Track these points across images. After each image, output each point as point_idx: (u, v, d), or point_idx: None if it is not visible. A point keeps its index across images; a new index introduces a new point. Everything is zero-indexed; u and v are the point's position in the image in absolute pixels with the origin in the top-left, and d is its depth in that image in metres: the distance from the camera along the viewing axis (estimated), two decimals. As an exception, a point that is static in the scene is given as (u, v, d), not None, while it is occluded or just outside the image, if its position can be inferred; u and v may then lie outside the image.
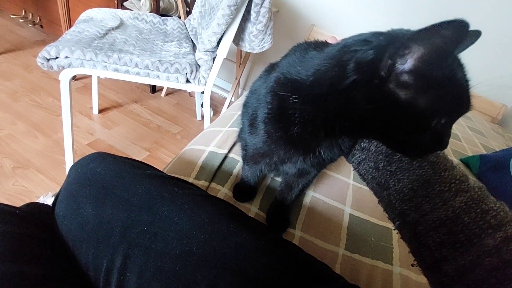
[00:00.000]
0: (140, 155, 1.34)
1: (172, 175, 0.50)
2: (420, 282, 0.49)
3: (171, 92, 1.86)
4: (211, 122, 1.10)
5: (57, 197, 0.41)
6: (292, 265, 0.34)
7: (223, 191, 0.54)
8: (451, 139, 1.21)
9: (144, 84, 1.83)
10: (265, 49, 1.08)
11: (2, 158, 1.12)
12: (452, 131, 1.25)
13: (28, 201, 1.05)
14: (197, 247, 0.31)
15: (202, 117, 1.74)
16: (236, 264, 0.31)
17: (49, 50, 0.83)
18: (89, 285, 0.33)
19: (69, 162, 1.07)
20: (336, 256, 0.50)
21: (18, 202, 1.00)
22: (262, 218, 0.53)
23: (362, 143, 0.38)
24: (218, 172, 0.58)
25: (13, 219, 0.35)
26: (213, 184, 0.55)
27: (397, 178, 0.34)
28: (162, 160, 1.36)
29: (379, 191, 0.36)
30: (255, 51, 1.08)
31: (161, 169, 0.50)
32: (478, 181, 0.82)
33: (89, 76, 1.56)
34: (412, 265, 0.34)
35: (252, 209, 0.54)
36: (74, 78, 1.70)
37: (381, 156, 0.36)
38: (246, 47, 1.11)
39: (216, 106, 1.95)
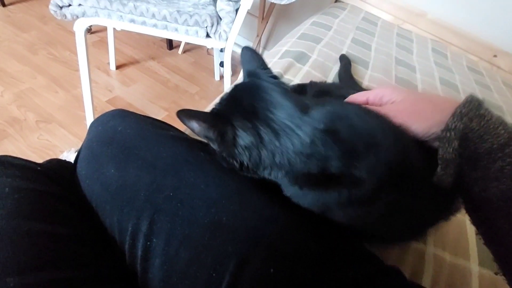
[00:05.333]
0: (159, 115, 1.32)
1: (196, 137, 0.47)
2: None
3: (188, 49, 1.77)
4: (231, 83, 1.03)
5: (78, 155, 0.39)
6: (327, 243, 0.31)
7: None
8: (492, 110, 1.07)
9: (161, 40, 1.75)
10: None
11: (25, 112, 1.13)
12: (493, 101, 1.11)
13: (53, 154, 1.07)
14: (227, 218, 0.29)
15: (221, 77, 1.67)
16: (269, 238, 0.28)
17: (61, -5, 0.77)
18: (114, 246, 0.32)
19: (89, 118, 1.07)
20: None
21: (44, 156, 1.03)
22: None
23: None
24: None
25: (35, 176, 0.34)
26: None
27: None
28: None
29: None
30: (283, 2, 0.97)
31: (181, 129, 0.47)
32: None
33: (105, 30, 1.49)
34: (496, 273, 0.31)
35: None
36: (90, 31, 1.64)
37: None
38: (273, -3, 0.99)
39: (234, 66, 1.85)
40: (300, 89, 0.55)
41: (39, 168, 0.36)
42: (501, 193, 0.27)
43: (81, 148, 0.39)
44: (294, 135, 0.28)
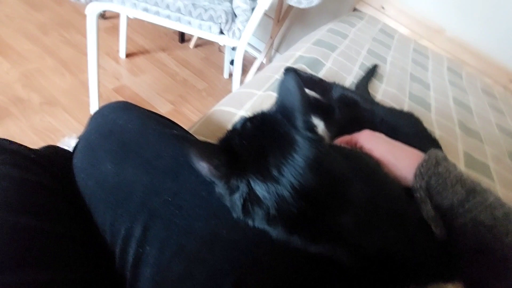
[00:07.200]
0: (164, 108, 1.30)
1: (200, 138, 0.45)
2: None
3: (200, 44, 1.75)
4: (240, 83, 1.01)
5: (76, 145, 0.37)
6: (332, 265, 0.29)
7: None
8: (505, 136, 1.03)
9: (173, 32, 1.73)
10: (313, 4, 0.94)
11: (30, 92, 1.12)
12: (506, 126, 1.07)
13: (55, 138, 1.05)
14: (227, 231, 0.27)
15: (230, 75, 1.65)
16: (271, 257, 0.26)
17: (77, -22, 0.75)
18: (104, 247, 0.30)
19: (94, 105, 1.05)
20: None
21: (45, 138, 1.01)
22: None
23: None
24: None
25: (28, 164, 0.32)
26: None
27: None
28: (186, 116, 1.32)
29: None
30: (301, 6, 0.94)
31: (185, 127, 0.45)
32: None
33: (118, 17, 1.48)
34: None
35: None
36: (104, 16, 1.62)
37: None
38: None
39: (244, 65, 1.82)
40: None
41: (33, 155, 0.34)
42: (469, 248, 0.28)
43: (79, 139, 0.37)
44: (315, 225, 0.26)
